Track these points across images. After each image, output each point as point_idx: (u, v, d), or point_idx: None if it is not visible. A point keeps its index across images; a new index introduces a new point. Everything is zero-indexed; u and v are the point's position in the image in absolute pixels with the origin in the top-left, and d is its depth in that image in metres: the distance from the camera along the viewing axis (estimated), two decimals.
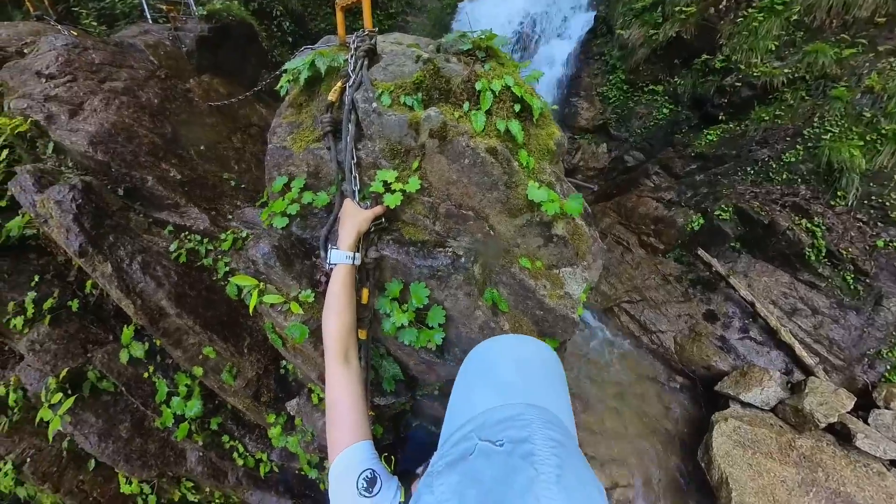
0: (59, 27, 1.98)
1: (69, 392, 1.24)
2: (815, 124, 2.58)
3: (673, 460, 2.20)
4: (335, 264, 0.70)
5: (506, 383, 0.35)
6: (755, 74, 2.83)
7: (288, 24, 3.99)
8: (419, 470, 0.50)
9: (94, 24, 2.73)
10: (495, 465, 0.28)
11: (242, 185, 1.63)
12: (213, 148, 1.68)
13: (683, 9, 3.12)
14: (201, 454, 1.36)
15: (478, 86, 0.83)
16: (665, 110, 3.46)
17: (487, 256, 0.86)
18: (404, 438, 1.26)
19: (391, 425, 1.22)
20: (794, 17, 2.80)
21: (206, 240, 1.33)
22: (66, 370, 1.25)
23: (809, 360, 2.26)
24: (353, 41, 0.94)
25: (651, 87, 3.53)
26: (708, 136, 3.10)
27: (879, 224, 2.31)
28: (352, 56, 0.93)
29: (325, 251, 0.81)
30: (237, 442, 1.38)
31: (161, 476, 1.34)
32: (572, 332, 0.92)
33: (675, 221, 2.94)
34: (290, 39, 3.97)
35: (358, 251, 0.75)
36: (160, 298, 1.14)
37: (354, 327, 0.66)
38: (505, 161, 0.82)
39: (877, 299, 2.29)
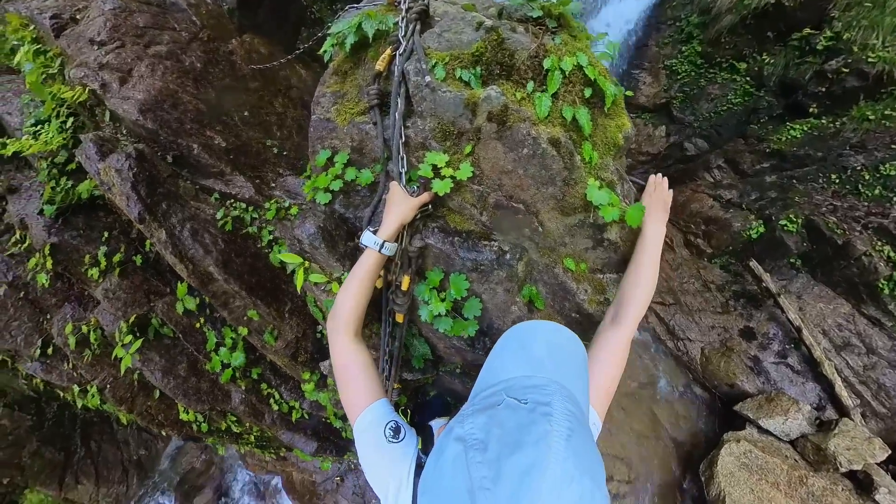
0: None
1: (137, 335, 1.45)
2: None
3: (673, 467, 2.22)
4: (365, 246, 0.72)
5: (537, 360, 0.40)
6: (870, 60, 2.27)
7: None
8: (432, 423, 0.58)
9: None
10: (518, 416, 0.34)
11: (284, 153, 1.65)
12: (255, 113, 1.68)
13: None
14: (243, 396, 1.57)
15: (546, 63, 0.74)
16: (744, 94, 2.95)
17: (533, 254, 0.84)
18: (421, 404, 1.37)
19: (412, 394, 1.33)
20: None
21: (250, 208, 1.41)
22: (133, 316, 1.45)
23: (849, 400, 2.10)
24: (404, 1, 0.86)
25: (731, 63, 2.97)
26: (791, 131, 2.63)
27: None
28: (402, 19, 0.86)
29: (370, 226, 0.83)
30: (274, 390, 1.57)
31: (211, 409, 1.58)
32: None
33: (731, 225, 2.65)
34: None
35: (397, 241, 0.76)
36: (208, 265, 1.25)
37: (365, 309, 0.69)
38: (567, 155, 0.75)
39: None
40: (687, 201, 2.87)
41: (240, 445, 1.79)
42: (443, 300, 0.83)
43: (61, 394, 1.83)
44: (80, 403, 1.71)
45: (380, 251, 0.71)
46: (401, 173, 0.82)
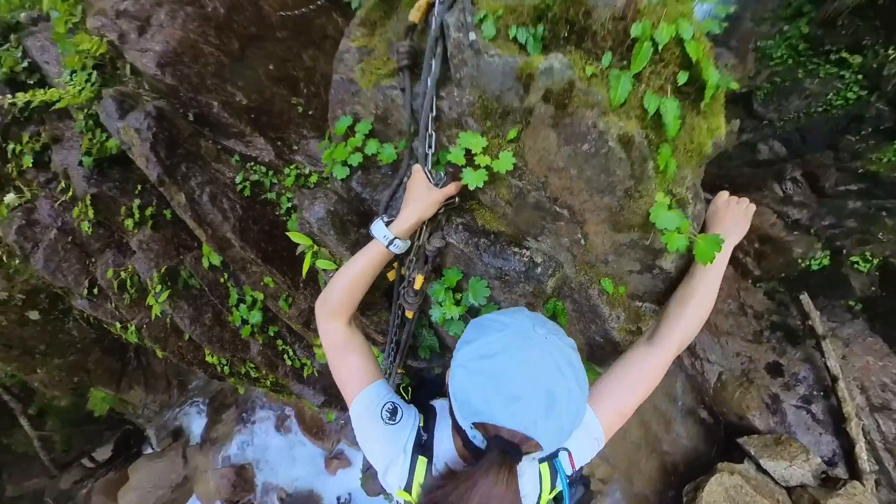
0: None
1: (168, 284, 1.54)
2: None
3: (658, 483, 2.21)
4: (372, 237, 0.64)
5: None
6: None
7: None
8: (434, 402, 0.59)
9: None
10: (510, 309, 0.53)
11: (310, 112, 1.52)
12: (281, 67, 1.54)
13: None
14: (261, 349, 1.68)
15: (634, 29, 0.53)
16: (849, 95, 2.34)
17: (568, 268, 0.72)
18: (423, 381, 1.40)
19: (415, 372, 1.36)
20: None
21: (270, 172, 1.35)
22: (164, 267, 1.52)
23: (866, 464, 1.89)
24: None
25: (842, 55, 2.32)
26: None
27: None
28: None
29: (386, 214, 0.73)
30: (288, 347, 1.67)
31: (233, 356, 1.72)
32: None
33: (790, 249, 2.30)
34: None
35: (411, 239, 0.67)
36: (226, 231, 1.23)
37: (359, 300, 0.65)
38: (639, 160, 0.57)
39: None
40: None
41: (257, 387, 1.98)
42: (458, 303, 0.75)
43: (107, 326, 2.07)
44: (123, 336, 1.92)
45: (387, 247, 0.63)
46: (427, 154, 0.69)
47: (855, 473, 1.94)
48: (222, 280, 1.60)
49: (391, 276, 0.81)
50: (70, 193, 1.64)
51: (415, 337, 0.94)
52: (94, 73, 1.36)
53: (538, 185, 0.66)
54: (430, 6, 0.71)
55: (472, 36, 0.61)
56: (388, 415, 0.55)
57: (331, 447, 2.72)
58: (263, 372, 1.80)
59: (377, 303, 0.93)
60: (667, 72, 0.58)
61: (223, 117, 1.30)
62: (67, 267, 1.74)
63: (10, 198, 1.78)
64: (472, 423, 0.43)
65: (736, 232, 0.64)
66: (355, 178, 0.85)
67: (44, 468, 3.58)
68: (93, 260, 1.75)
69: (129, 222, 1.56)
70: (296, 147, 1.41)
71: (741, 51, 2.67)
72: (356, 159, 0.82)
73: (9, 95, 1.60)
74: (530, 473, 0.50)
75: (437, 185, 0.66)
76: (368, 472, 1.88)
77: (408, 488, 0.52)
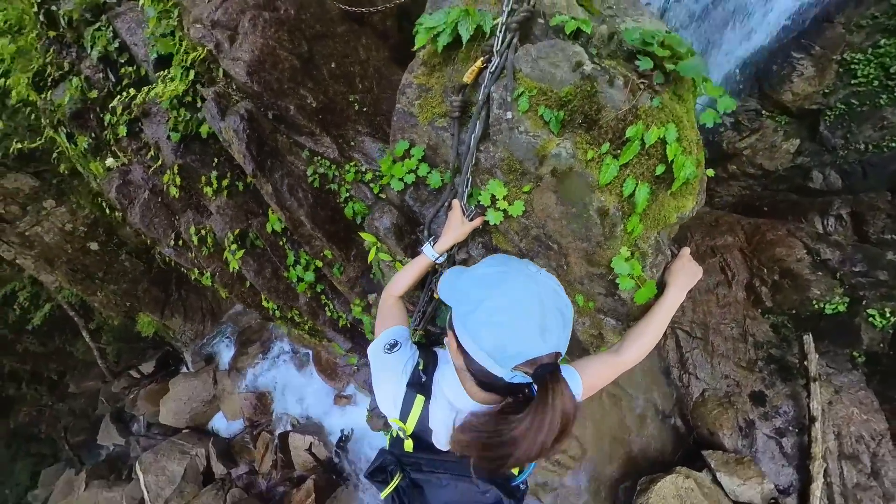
0: None
1: (240, 244, 2.02)
2: None
3: (619, 467, 2.48)
4: (422, 252, 0.98)
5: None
6: None
7: None
8: (436, 348, 0.75)
9: None
10: (491, 259, 0.63)
11: (364, 108, 1.79)
12: (341, 63, 1.79)
13: None
14: (307, 300, 2.22)
15: (629, 131, 0.78)
16: None
17: None
18: (433, 334, 1.84)
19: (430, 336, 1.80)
20: None
21: (333, 166, 1.72)
22: (237, 230, 2.01)
23: (818, 502, 2.09)
24: (507, 1, 0.85)
25: None
26: None
27: None
28: (501, 26, 0.88)
29: (428, 231, 1.08)
30: (330, 301, 2.20)
31: (284, 304, 2.27)
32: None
33: (809, 288, 2.37)
34: None
35: (447, 252, 1.00)
36: (301, 215, 1.65)
37: (411, 289, 0.99)
38: (610, 226, 0.86)
39: None
40: (774, 242, 2.52)
41: (297, 329, 2.57)
42: None
43: (185, 272, 2.69)
44: (196, 279, 2.52)
45: (435, 262, 0.98)
46: (464, 193, 1.00)
47: None
48: (281, 243, 2.08)
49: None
50: (160, 162, 2.09)
51: (436, 310, 1.31)
52: (191, 70, 1.71)
53: (539, 225, 0.97)
54: (482, 70, 0.96)
55: (510, 115, 0.89)
56: (389, 347, 0.71)
57: (341, 387, 3.30)
58: (305, 318, 2.35)
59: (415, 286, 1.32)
60: (650, 162, 0.83)
61: (298, 119, 1.64)
62: (158, 222, 2.27)
63: (110, 161, 2.30)
64: (513, 367, 0.50)
65: (685, 284, 0.89)
66: (408, 193, 1.18)
67: (99, 374, 4.66)
68: (177, 217, 2.28)
69: (208, 189, 2.02)
70: (353, 143, 1.75)
71: (821, 61, 2.36)
72: (410, 178, 1.12)
73: (124, 93, 1.97)
74: None
75: (469, 217, 0.98)
76: (375, 411, 2.44)
77: (403, 418, 0.63)
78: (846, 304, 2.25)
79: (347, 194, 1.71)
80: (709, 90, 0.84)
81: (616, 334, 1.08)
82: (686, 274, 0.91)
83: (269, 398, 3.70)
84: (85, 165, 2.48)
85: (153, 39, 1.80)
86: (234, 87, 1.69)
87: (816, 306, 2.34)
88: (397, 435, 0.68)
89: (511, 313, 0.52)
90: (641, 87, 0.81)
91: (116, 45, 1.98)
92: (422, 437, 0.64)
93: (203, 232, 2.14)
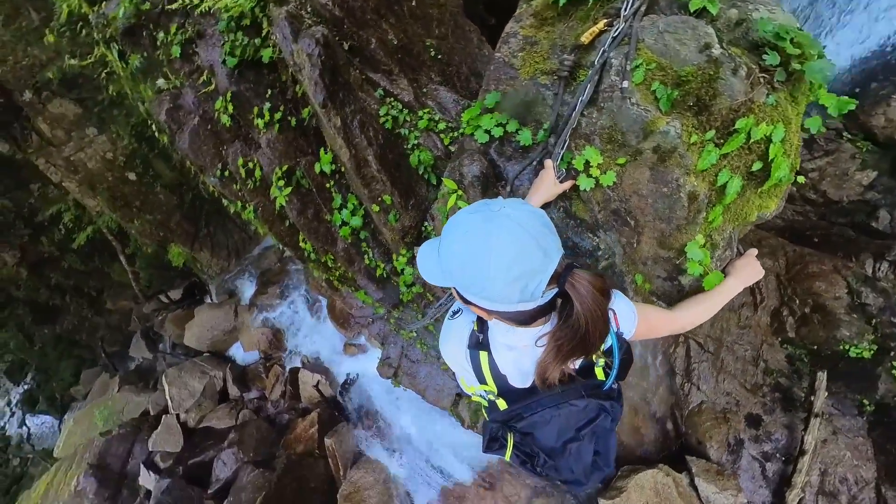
0: None
1: (287, 181, 2.07)
2: None
3: None
4: None
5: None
6: None
7: None
8: None
9: None
10: (468, 211, 0.66)
11: (439, 56, 1.81)
12: (421, 3, 1.79)
13: None
14: (346, 246, 2.32)
15: (739, 123, 0.84)
16: None
17: (617, 259, 1.13)
18: None
19: None
20: None
21: (405, 111, 1.75)
22: (286, 166, 2.04)
23: None
24: None
25: None
26: None
27: None
28: None
29: (511, 188, 1.15)
30: (370, 249, 2.28)
31: (321, 247, 2.41)
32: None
33: (838, 327, 2.44)
34: None
35: None
36: (368, 154, 1.66)
37: None
38: (696, 211, 0.94)
39: None
40: (815, 274, 2.53)
41: (328, 275, 2.70)
42: None
43: (226, 203, 2.78)
44: (236, 213, 2.56)
45: None
46: (559, 155, 1.04)
47: None
48: (328, 185, 2.18)
49: None
50: (212, 87, 2.08)
51: None
52: None
53: (623, 199, 1.04)
54: (601, 32, 0.99)
55: (625, 84, 0.94)
56: (453, 313, 0.80)
57: (352, 336, 3.60)
58: (339, 265, 2.49)
59: None
60: (748, 158, 0.89)
61: (377, 54, 1.63)
62: (206, 150, 2.28)
63: (161, 82, 2.27)
64: (546, 286, 0.57)
65: (747, 278, 1.00)
66: (493, 146, 1.21)
67: (132, 295, 5.25)
68: (225, 147, 2.29)
69: (259, 122, 2.02)
70: (425, 90, 1.79)
71: None
72: (498, 132, 1.15)
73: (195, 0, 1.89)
74: None
75: (559, 178, 1.05)
76: (386, 361, 2.68)
77: (482, 380, 0.68)
78: (872, 352, 2.31)
79: (416, 141, 1.74)
80: (822, 97, 0.89)
81: None
82: (750, 272, 1.01)
83: (283, 335, 4.12)
84: (134, 87, 2.49)
85: None
86: (309, 10, 1.66)
87: (842, 348, 2.41)
88: (490, 401, 0.75)
89: (516, 262, 0.56)
90: (762, 81, 0.85)
91: None
92: (506, 388, 0.71)
93: (251, 165, 2.17)
